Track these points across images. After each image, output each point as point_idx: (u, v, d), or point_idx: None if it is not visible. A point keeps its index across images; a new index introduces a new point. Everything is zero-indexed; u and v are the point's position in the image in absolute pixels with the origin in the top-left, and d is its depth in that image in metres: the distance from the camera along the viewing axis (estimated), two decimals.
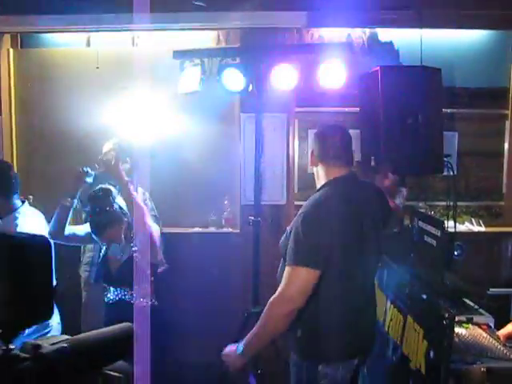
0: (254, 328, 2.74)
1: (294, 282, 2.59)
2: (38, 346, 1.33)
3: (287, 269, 2.63)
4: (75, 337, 1.43)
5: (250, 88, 4.37)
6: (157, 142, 4.50)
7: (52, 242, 2.32)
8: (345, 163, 2.87)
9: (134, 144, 3.95)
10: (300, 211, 2.73)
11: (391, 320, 3.17)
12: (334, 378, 2.72)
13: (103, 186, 3.67)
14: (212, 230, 5.01)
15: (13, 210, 3.50)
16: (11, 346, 1.33)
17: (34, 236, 1.39)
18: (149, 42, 5.03)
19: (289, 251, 2.65)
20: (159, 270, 3.77)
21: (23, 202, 3.60)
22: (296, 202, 4.92)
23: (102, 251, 3.81)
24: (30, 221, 3.51)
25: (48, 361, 1.31)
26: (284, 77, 4.24)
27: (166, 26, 4.72)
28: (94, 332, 1.48)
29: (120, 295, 3.69)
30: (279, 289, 2.63)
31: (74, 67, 4.85)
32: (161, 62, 4.68)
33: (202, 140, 4.85)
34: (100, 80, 4.58)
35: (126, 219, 3.65)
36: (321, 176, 2.90)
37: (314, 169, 2.97)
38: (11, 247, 1.31)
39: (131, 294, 3.63)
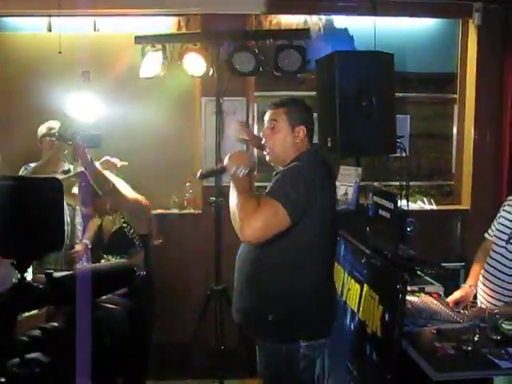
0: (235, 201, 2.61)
1: (267, 208, 2.53)
2: (50, 273, 1.47)
3: (264, 199, 2.58)
4: (80, 267, 1.58)
5: (211, 72, 4.50)
6: (118, 126, 4.58)
7: None
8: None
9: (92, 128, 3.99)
10: (286, 169, 2.73)
11: (349, 290, 3.35)
12: (312, 358, 2.75)
13: None
14: (175, 211, 5.12)
15: None
16: (25, 275, 1.46)
17: (46, 178, 1.53)
18: (111, 27, 5.08)
19: (268, 190, 2.64)
20: (155, 243, 3.96)
21: None
22: (256, 184, 5.04)
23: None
24: None
25: (61, 284, 1.46)
26: (243, 62, 4.38)
27: (127, 11, 4.79)
28: (98, 264, 1.62)
29: None
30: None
31: (36, 52, 4.87)
32: (122, 48, 4.75)
33: (163, 124, 4.93)
34: (63, 65, 4.61)
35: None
36: (295, 152, 2.81)
37: (287, 142, 2.81)
38: (25, 186, 1.45)
39: None
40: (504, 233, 3.24)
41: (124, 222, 3.66)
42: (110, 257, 3.81)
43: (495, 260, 3.25)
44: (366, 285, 3.09)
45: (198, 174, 2.92)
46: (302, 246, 2.68)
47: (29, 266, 1.47)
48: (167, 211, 5.10)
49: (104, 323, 1.47)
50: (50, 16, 4.93)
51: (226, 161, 2.74)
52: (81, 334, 1.38)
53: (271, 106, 2.88)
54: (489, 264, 3.29)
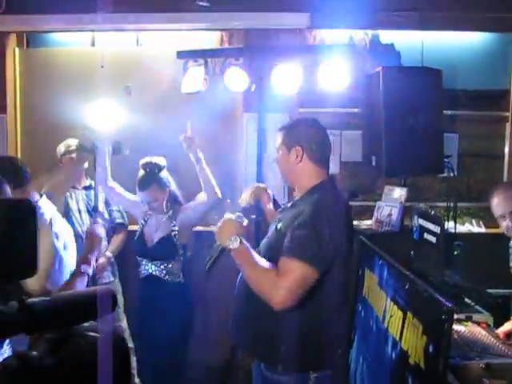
0: (255, 272, 2.54)
1: (293, 274, 2.45)
2: (23, 300, 1.38)
3: (285, 260, 2.49)
4: (55, 295, 1.49)
5: (253, 88, 4.43)
6: (158, 142, 4.55)
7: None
8: (328, 166, 2.84)
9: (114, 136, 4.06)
10: (301, 212, 2.61)
11: (391, 316, 3.19)
12: None
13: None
14: (213, 228, 5.03)
15: None
16: None
17: (19, 200, 1.47)
18: (153, 42, 5.07)
19: (289, 245, 2.53)
20: (189, 253, 4.05)
21: (41, 195, 3.66)
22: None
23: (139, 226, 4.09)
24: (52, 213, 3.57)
25: (33, 311, 1.36)
26: (286, 77, 4.29)
27: (170, 26, 4.77)
28: (75, 291, 1.55)
29: (153, 270, 3.93)
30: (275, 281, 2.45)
31: (79, 66, 4.89)
32: (165, 62, 4.72)
33: (204, 140, 4.87)
34: (104, 79, 4.61)
35: (169, 189, 3.96)
36: (307, 176, 2.76)
37: (290, 166, 2.78)
38: None
39: (163, 270, 3.81)
40: None
41: (176, 230, 3.88)
42: (152, 264, 3.92)
43: None
44: (409, 312, 2.92)
45: (206, 267, 2.79)
46: (320, 288, 2.62)
47: None
48: (206, 228, 5.02)
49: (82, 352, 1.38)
50: (93, 31, 4.94)
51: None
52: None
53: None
54: None
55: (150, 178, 3.89)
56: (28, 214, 1.40)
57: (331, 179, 2.83)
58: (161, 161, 4.01)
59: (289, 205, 2.85)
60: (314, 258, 2.47)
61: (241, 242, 2.53)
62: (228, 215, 2.68)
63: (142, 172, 3.93)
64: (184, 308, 3.95)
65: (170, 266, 3.91)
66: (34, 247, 1.41)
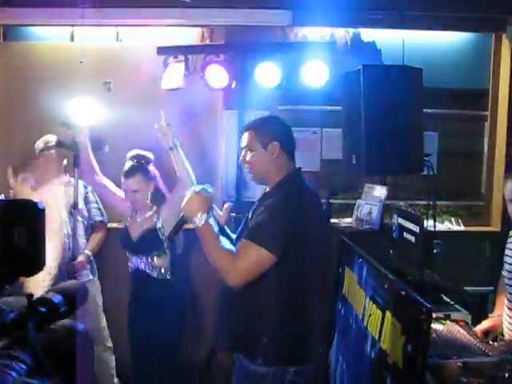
0: (212, 248, 2.59)
1: (250, 257, 2.55)
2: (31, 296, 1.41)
3: (244, 244, 2.59)
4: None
5: (234, 85, 4.41)
6: (137, 137, 4.51)
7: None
8: (294, 158, 2.90)
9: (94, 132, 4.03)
10: (269, 202, 2.70)
11: (370, 315, 3.19)
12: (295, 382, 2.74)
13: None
14: (191, 226, 5.00)
15: None
16: None
17: (27, 200, 1.46)
18: (133, 38, 5.02)
19: (250, 229, 2.64)
20: (178, 251, 4.03)
21: None
22: None
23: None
24: None
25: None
26: (267, 75, 4.27)
27: (150, 21, 4.73)
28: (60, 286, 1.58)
29: (139, 264, 3.91)
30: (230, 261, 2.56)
31: (58, 61, 4.81)
32: (145, 58, 4.68)
33: (184, 136, 4.83)
34: (84, 75, 4.56)
35: (154, 183, 3.93)
36: (280, 170, 2.80)
37: (266, 163, 2.79)
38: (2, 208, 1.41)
39: (149, 265, 3.80)
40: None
41: (160, 224, 3.84)
42: (137, 257, 3.90)
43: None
44: (388, 312, 2.93)
45: (167, 235, 2.86)
46: (291, 276, 2.69)
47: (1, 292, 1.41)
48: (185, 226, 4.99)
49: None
50: (72, 26, 4.87)
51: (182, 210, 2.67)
52: None
53: (243, 131, 2.90)
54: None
55: (137, 167, 3.88)
56: (34, 213, 1.42)
57: (298, 170, 2.87)
58: (149, 154, 4.00)
59: (261, 196, 2.88)
60: (272, 243, 2.55)
61: (206, 220, 2.57)
62: (195, 188, 2.69)
63: (129, 162, 3.92)
64: (170, 305, 3.90)
65: (155, 260, 3.87)
66: (42, 245, 1.44)
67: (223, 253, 2.56)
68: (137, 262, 3.90)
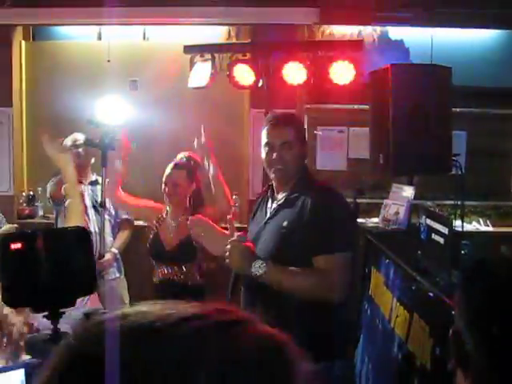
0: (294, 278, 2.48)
1: (340, 267, 2.46)
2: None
3: (328, 258, 2.46)
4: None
5: (260, 84, 4.39)
6: (164, 136, 4.53)
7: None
8: None
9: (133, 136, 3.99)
10: (306, 205, 2.52)
11: (397, 317, 3.17)
12: (344, 376, 2.66)
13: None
14: (221, 224, 5.00)
15: None
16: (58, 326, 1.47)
17: (72, 228, 1.59)
18: (160, 36, 5.04)
19: (322, 242, 2.48)
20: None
21: None
22: None
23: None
24: None
25: None
26: (294, 73, 4.25)
27: (177, 20, 4.74)
28: None
29: (170, 273, 3.69)
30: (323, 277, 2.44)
31: (85, 60, 4.87)
32: (171, 57, 4.70)
33: (210, 135, 4.84)
34: (111, 73, 4.59)
35: (196, 184, 3.77)
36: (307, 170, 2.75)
37: (302, 160, 2.67)
38: (53, 237, 1.50)
39: (180, 273, 3.67)
40: None
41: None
42: (169, 267, 3.71)
43: None
44: (415, 314, 2.90)
45: (228, 297, 2.66)
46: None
47: (61, 315, 1.46)
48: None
49: None
50: (100, 25, 4.91)
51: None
52: None
53: (276, 126, 2.63)
54: None
55: (186, 163, 3.77)
56: (81, 240, 1.51)
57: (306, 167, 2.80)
58: (198, 159, 3.81)
59: (280, 198, 2.65)
60: (348, 244, 2.53)
61: (261, 265, 2.41)
62: (232, 240, 2.52)
63: (180, 155, 3.83)
64: None
65: (188, 268, 3.74)
66: (93, 267, 1.53)
67: (306, 279, 2.47)
68: (169, 270, 3.68)
